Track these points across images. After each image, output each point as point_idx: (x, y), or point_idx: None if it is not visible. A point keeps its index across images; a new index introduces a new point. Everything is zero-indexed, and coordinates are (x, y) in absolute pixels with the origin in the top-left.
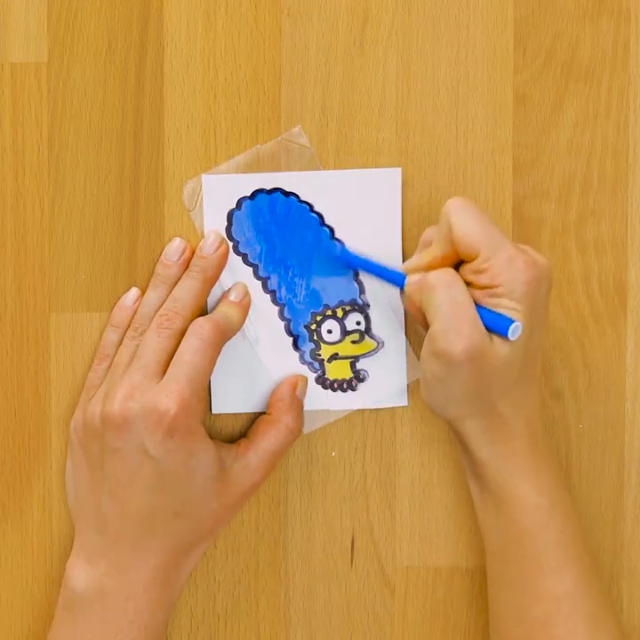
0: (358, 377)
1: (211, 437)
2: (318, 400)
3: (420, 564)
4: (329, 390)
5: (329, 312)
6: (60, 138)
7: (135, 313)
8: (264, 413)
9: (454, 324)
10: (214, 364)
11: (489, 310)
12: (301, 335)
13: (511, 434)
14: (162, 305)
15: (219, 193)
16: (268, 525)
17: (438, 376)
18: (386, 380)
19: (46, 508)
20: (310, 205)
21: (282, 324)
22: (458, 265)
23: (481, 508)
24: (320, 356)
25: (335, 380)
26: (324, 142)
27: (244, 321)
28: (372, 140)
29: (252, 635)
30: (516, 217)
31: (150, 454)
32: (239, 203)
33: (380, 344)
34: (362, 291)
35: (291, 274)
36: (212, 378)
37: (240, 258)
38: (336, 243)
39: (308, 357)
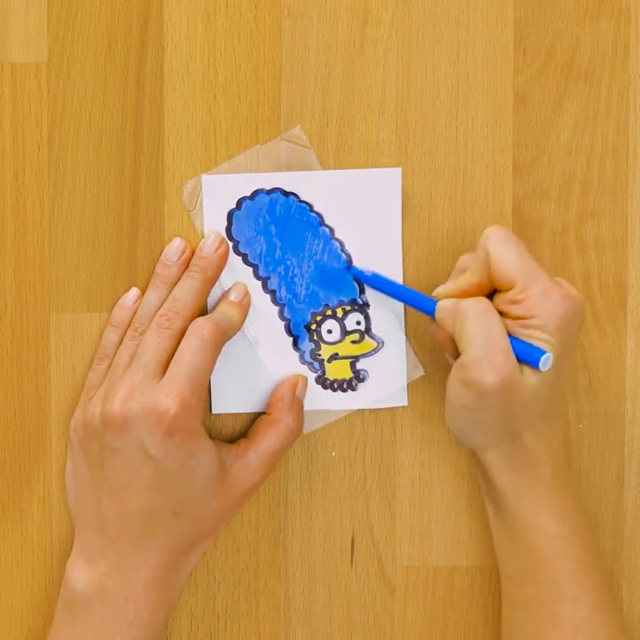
0: (358, 377)
1: (211, 437)
2: (318, 400)
3: (420, 564)
4: (329, 390)
5: (329, 312)
6: (60, 138)
7: (135, 313)
8: (264, 413)
9: (488, 354)
10: (214, 363)
11: (521, 341)
12: (301, 335)
13: (534, 463)
14: (162, 305)
15: (219, 193)
16: (268, 525)
17: (467, 405)
18: (386, 380)
19: (46, 508)
20: (310, 205)
21: (282, 324)
22: (491, 293)
23: (498, 533)
24: (320, 356)
25: (335, 380)
26: (324, 142)
27: (244, 321)
28: (372, 140)
29: (252, 635)
30: (516, 217)
31: (150, 454)
32: (239, 203)
33: (380, 344)
34: (362, 291)
35: (291, 274)
36: (212, 378)
37: (240, 258)
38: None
39: (307, 357)
